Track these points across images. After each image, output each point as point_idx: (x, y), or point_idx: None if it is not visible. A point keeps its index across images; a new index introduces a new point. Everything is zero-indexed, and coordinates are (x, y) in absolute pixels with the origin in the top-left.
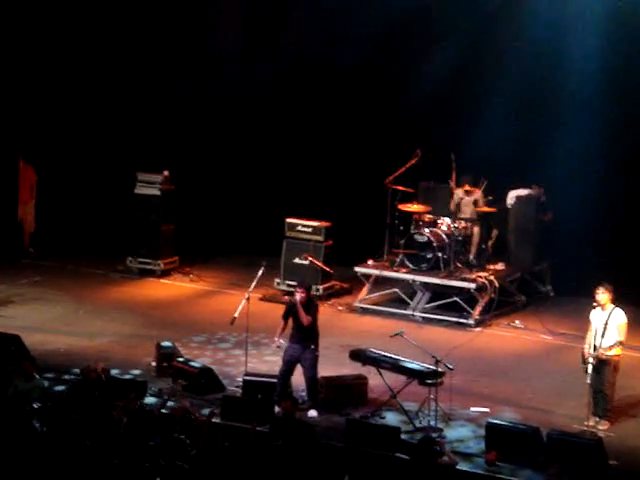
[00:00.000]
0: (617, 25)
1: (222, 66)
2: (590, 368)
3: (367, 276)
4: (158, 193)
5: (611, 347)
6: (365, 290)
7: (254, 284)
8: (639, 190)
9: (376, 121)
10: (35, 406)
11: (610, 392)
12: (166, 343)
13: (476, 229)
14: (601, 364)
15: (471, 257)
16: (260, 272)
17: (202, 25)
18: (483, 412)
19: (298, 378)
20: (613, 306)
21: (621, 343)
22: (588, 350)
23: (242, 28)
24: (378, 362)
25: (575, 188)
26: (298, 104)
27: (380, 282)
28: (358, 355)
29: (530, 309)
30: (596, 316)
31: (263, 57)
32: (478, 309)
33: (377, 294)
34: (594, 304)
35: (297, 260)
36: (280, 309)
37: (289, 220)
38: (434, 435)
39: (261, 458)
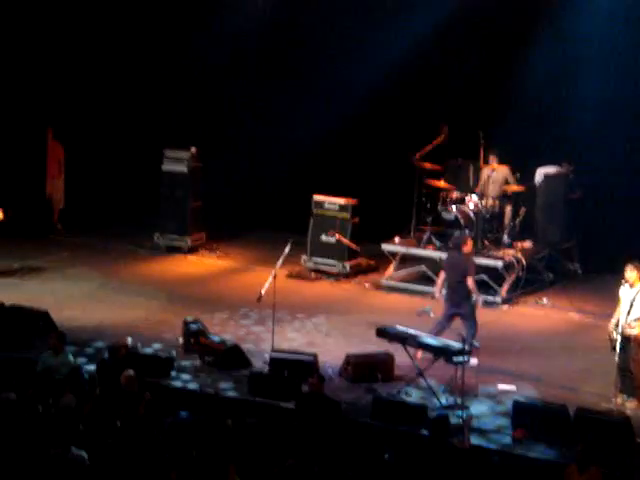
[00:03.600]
0: None
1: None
2: (617, 346)
3: (394, 254)
4: (185, 170)
5: (636, 325)
6: (392, 267)
7: (281, 261)
8: None
9: (403, 98)
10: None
11: (637, 370)
12: (192, 319)
13: (505, 207)
14: (627, 342)
15: (500, 235)
16: (287, 249)
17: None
18: (510, 390)
19: (324, 354)
20: None
21: None
22: (615, 327)
23: None
24: (404, 339)
25: (604, 165)
26: (330, 80)
27: (407, 260)
28: (385, 332)
29: (558, 287)
30: (624, 293)
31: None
32: (505, 287)
33: (404, 272)
34: (623, 281)
35: (324, 237)
36: (306, 286)
37: (316, 197)
38: (459, 414)
39: (283, 435)
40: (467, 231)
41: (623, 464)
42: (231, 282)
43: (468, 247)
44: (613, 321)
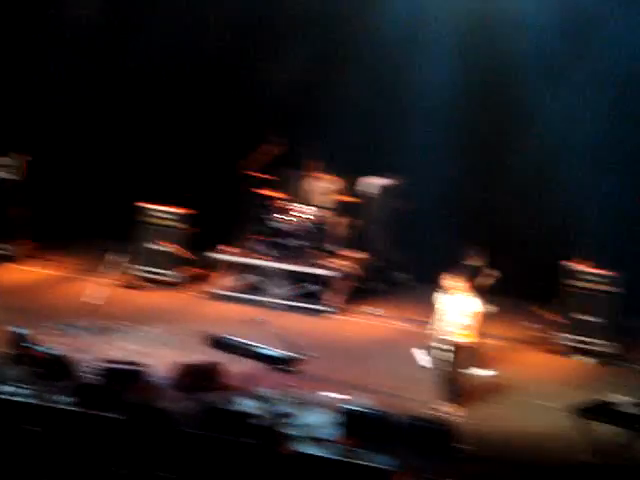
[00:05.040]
0: (473, 25)
1: (77, 50)
2: (443, 353)
3: (227, 263)
4: (12, 177)
5: (461, 333)
6: (225, 277)
7: (112, 270)
8: (492, 178)
9: (235, 107)
10: None
11: (462, 377)
12: (19, 329)
13: (337, 217)
14: (455, 349)
15: (330, 245)
16: (119, 258)
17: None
18: (340, 398)
19: (155, 364)
20: (466, 292)
21: (472, 329)
22: (440, 335)
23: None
24: (236, 349)
25: (434, 178)
26: (158, 90)
27: (240, 269)
28: (217, 342)
29: (389, 297)
30: (448, 302)
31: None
32: (338, 296)
33: (237, 281)
34: (445, 290)
35: (157, 246)
36: (138, 295)
37: (149, 206)
38: (283, 422)
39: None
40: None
41: (444, 470)
42: (58, 291)
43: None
44: (439, 329)
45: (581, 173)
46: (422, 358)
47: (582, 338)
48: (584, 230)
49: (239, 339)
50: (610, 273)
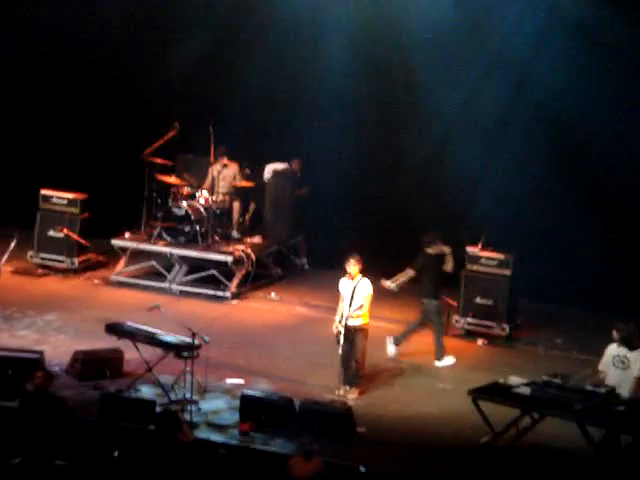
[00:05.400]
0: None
1: None
2: (341, 338)
3: (124, 249)
4: None
5: (358, 316)
6: (122, 263)
7: (6, 257)
8: (387, 168)
9: (134, 92)
10: None
11: (358, 361)
12: None
13: (234, 203)
14: (349, 333)
15: (230, 230)
16: (12, 244)
17: None
18: (238, 384)
19: (51, 352)
20: (361, 276)
21: (367, 311)
22: (338, 320)
23: None
24: (134, 335)
25: (331, 162)
26: (57, 75)
27: (137, 255)
28: (114, 328)
29: (286, 282)
30: (345, 286)
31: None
32: (235, 282)
33: (134, 267)
34: (344, 275)
35: (52, 232)
36: (33, 282)
37: (43, 192)
38: (176, 408)
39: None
40: None
41: (342, 453)
42: None
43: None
44: (337, 314)
45: (473, 158)
46: (390, 348)
47: (477, 321)
48: (479, 214)
49: (137, 326)
50: (502, 256)
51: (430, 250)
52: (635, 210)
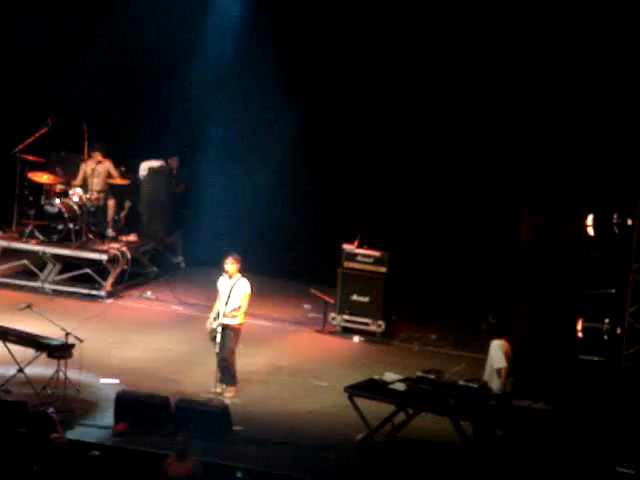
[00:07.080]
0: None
1: None
2: (217, 336)
3: None
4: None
5: (233, 315)
6: None
7: None
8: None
9: (14, 91)
10: None
11: (232, 359)
12: None
13: (109, 200)
14: (225, 331)
15: (105, 229)
16: None
17: None
18: (113, 383)
19: None
20: (239, 275)
21: (244, 312)
22: (213, 317)
23: None
24: (5, 335)
25: (209, 161)
26: None
27: (9, 254)
28: None
29: (162, 280)
30: (223, 284)
31: None
32: (110, 281)
33: (5, 266)
34: (223, 273)
35: None
36: None
37: None
38: (48, 409)
39: None
40: None
41: (218, 452)
42: None
43: None
44: (213, 312)
45: None
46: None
47: (354, 318)
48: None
49: (8, 326)
50: (379, 254)
51: None
52: None
